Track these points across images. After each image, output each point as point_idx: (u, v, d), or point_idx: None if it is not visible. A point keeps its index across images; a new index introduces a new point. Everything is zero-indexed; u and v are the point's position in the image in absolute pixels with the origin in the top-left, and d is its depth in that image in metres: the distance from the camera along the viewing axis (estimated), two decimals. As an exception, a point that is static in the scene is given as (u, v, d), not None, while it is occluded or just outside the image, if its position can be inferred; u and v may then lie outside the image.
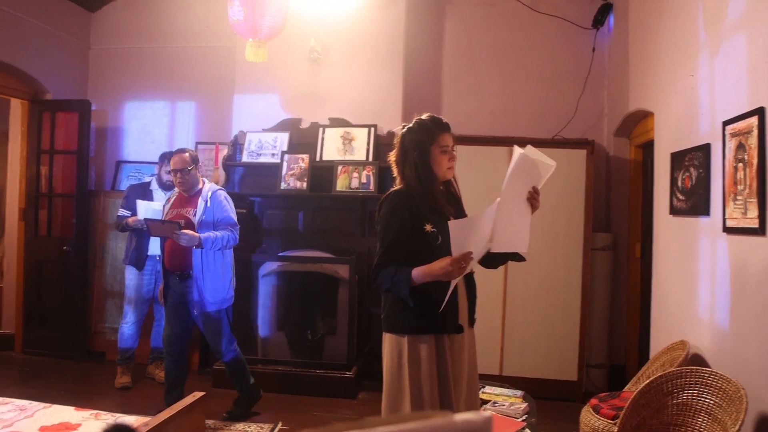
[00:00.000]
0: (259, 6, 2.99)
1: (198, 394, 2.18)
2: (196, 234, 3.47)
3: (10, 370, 4.89)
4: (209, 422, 3.65)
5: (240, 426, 3.74)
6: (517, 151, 2.01)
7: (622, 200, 4.83)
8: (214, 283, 3.63)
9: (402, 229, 2.20)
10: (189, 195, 3.69)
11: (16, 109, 5.35)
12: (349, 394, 4.31)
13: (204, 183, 3.73)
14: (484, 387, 3.31)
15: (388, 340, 2.31)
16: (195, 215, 3.59)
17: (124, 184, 5.33)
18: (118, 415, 2.31)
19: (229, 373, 3.87)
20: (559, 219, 4.36)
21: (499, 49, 5.06)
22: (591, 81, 4.93)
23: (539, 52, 5.04)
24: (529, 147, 2.02)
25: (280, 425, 3.79)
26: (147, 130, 5.58)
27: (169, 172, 3.86)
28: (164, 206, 3.80)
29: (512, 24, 5.06)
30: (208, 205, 3.60)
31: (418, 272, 2.09)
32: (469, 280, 2.38)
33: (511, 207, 2.08)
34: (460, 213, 2.42)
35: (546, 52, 5.03)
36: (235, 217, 3.74)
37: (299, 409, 4.11)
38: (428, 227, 2.21)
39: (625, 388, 3.32)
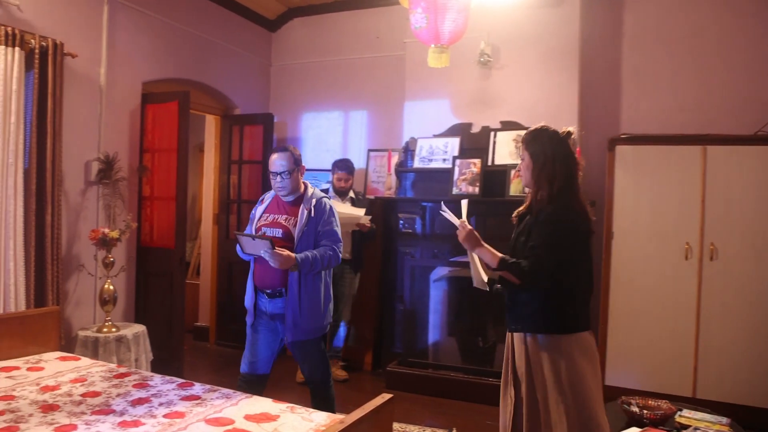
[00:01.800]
0: (442, 11, 2.99)
1: (386, 396, 2.19)
2: (292, 255, 2.91)
3: (206, 359, 5.40)
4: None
5: (415, 429, 3.77)
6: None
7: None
8: (312, 307, 3.07)
9: None
10: (289, 200, 3.17)
11: (210, 124, 5.90)
12: (523, 404, 4.17)
13: (306, 187, 3.20)
14: (681, 410, 3.02)
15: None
16: (295, 225, 3.06)
17: (303, 191, 5.66)
18: (312, 410, 2.40)
19: (314, 402, 3.14)
20: (762, 222, 3.89)
21: (691, 37, 4.61)
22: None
23: (738, 38, 4.52)
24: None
25: (454, 431, 3.77)
26: (322, 139, 5.89)
27: (276, 174, 3.11)
28: (256, 208, 3.26)
29: (705, 9, 4.60)
30: (312, 214, 3.07)
31: None
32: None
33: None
34: None
35: (746, 37, 4.50)
36: (340, 232, 3.17)
37: (472, 416, 4.07)
38: None
39: None
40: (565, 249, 2.30)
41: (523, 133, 4.52)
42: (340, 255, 3.12)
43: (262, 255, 2.88)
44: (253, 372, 3.19)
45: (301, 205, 3.09)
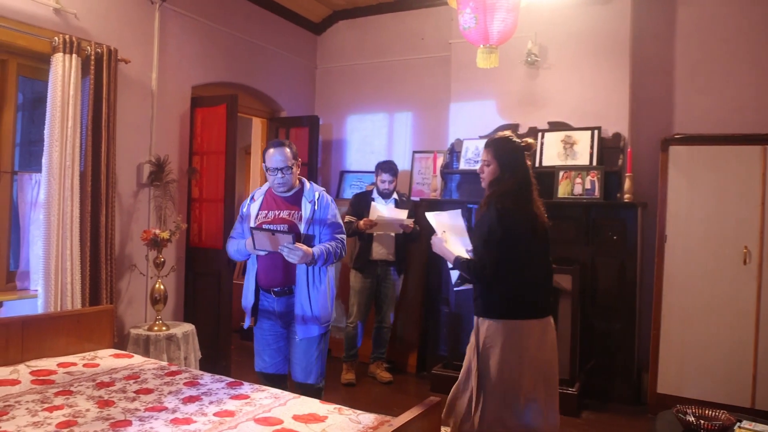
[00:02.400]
0: (491, 11, 2.96)
1: (434, 399, 2.17)
2: (309, 249, 2.86)
3: (252, 359, 5.44)
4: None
5: None
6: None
7: None
8: (320, 302, 3.02)
9: None
10: (286, 196, 3.07)
11: (257, 127, 5.98)
12: (571, 411, 4.08)
13: (303, 182, 3.13)
14: (741, 421, 2.89)
15: None
16: (300, 219, 2.99)
17: (347, 193, 5.70)
18: (359, 411, 2.40)
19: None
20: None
21: (748, 32, 4.40)
22: None
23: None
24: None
25: (500, 437, 3.71)
26: (367, 141, 5.90)
27: (276, 170, 3.00)
28: (248, 206, 3.14)
29: (762, 2, 4.39)
30: (316, 207, 3.01)
31: None
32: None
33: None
34: None
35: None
36: (343, 224, 3.16)
37: (520, 422, 4.00)
38: None
39: None
40: (505, 247, 2.54)
41: (572, 134, 4.52)
42: (345, 246, 3.10)
43: (280, 250, 2.80)
44: (267, 371, 3.15)
45: (303, 199, 3.03)
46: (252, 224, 3.02)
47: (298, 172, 3.10)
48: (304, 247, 2.83)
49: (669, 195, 4.14)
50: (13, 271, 3.72)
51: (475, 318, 2.69)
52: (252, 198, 3.16)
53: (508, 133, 2.77)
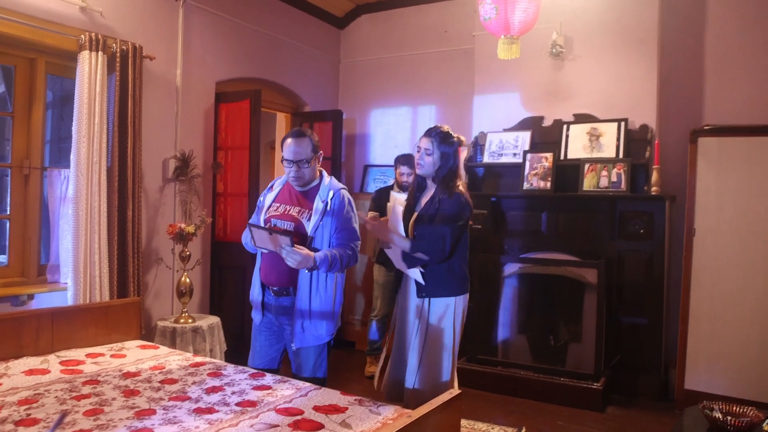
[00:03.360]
0: (512, 1, 2.92)
1: (455, 392, 2.17)
2: (311, 253, 2.58)
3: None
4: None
5: (483, 426, 3.72)
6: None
7: None
8: (323, 311, 2.75)
9: None
10: (302, 190, 2.82)
11: (281, 121, 6.02)
12: (595, 406, 4.04)
13: (322, 176, 2.85)
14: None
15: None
16: (309, 218, 2.73)
17: (371, 187, 5.71)
18: (379, 403, 2.41)
19: None
20: None
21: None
22: None
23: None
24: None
25: (524, 430, 3.69)
26: (391, 135, 5.89)
27: (292, 162, 2.73)
28: (265, 195, 2.92)
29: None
30: (329, 208, 2.73)
31: None
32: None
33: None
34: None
35: None
36: (358, 228, 2.84)
37: (542, 416, 3.97)
38: None
39: None
40: (465, 230, 2.94)
41: (598, 126, 4.45)
42: (358, 255, 2.81)
43: (278, 252, 2.55)
44: (257, 368, 2.90)
45: (316, 197, 2.75)
46: (264, 215, 2.84)
47: (318, 165, 2.84)
48: (305, 250, 2.56)
49: (698, 188, 4.05)
50: (44, 265, 3.81)
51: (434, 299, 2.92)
52: (270, 187, 2.94)
53: (446, 127, 2.96)
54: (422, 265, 2.87)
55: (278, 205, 2.82)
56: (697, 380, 4.01)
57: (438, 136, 2.89)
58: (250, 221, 2.81)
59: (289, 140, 2.73)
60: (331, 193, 2.76)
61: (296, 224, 2.72)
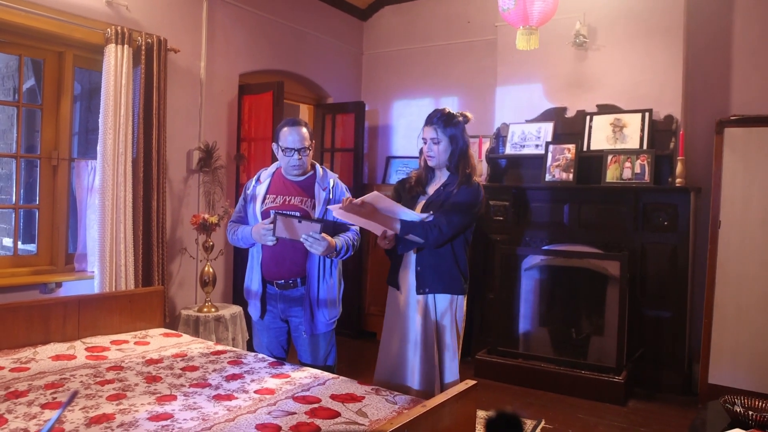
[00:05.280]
0: (532, -9, 2.90)
1: (470, 382, 2.18)
2: (333, 241, 2.62)
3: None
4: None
5: (503, 419, 3.72)
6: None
7: None
8: (330, 297, 2.81)
9: None
10: (298, 180, 2.83)
11: (304, 113, 6.05)
12: (617, 400, 4.02)
13: (315, 166, 2.87)
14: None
15: None
16: (313, 207, 2.76)
17: (394, 179, 5.72)
18: (395, 393, 2.43)
19: None
20: None
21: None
22: None
23: None
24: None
25: (543, 423, 3.69)
26: (413, 126, 5.87)
27: (294, 150, 2.75)
28: (254, 188, 2.87)
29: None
30: (330, 196, 2.78)
31: None
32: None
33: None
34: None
35: None
36: None
37: (563, 409, 3.95)
38: None
39: None
40: (468, 220, 2.68)
41: (622, 117, 4.39)
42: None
43: (303, 240, 2.53)
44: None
45: (316, 186, 2.79)
46: (260, 207, 2.80)
47: (312, 155, 2.85)
48: (329, 238, 2.58)
49: (724, 179, 3.97)
50: (71, 254, 3.91)
51: (447, 296, 2.73)
52: (258, 179, 2.89)
53: (446, 107, 2.76)
54: (417, 249, 2.70)
55: (275, 196, 2.80)
56: (721, 374, 3.96)
57: (441, 120, 2.68)
58: (276, 212, 2.65)
59: (287, 128, 2.75)
60: (331, 182, 2.82)
61: (302, 213, 2.71)
